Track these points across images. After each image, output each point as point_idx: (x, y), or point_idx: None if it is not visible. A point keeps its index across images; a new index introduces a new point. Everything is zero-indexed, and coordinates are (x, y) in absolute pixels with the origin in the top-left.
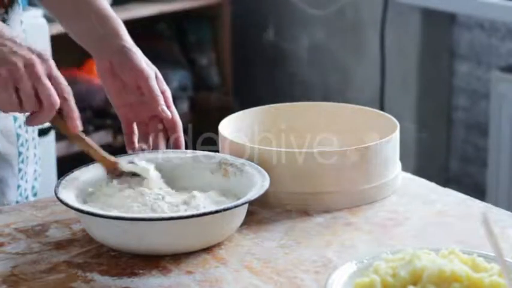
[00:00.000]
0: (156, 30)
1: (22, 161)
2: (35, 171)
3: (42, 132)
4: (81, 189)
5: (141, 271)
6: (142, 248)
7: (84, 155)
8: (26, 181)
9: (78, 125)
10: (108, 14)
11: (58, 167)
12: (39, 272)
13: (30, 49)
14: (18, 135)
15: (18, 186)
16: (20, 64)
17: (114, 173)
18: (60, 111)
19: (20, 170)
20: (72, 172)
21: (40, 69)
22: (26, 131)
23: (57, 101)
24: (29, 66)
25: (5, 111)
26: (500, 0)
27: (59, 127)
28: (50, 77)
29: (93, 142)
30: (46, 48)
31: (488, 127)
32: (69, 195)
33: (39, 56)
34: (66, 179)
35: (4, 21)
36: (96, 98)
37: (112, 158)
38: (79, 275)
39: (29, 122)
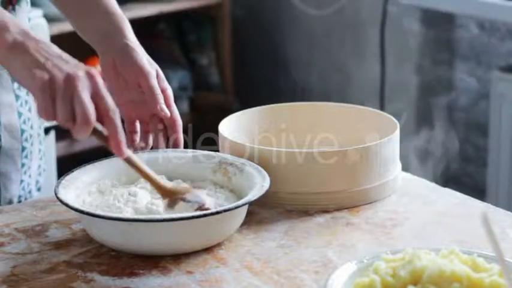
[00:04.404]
0: (156, 30)
1: (26, 156)
2: (39, 166)
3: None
4: (81, 189)
5: (141, 271)
6: (143, 248)
7: (84, 155)
8: (30, 176)
9: (123, 149)
10: (114, 11)
11: (58, 167)
12: (39, 272)
13: (77, 65)
14: (22, 131)
15: (21, 181)
16: (61, 75)
17: (171, 200)
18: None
19: (23, 165)
20: (72, 172)
21: (82, 84)
22: (31, 127)
23: (90, 118)
24: (71, 79)
25: (41, 117)
26: (500, 0)
27: (107, 147)
28: (95, 94)
29: (146, 167)
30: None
31: (488, 127)
32: (69, 195)
33: (86, 72)
34: (66, 179)
35: None
36: None
37: (168, 186)
38: (79, 275)
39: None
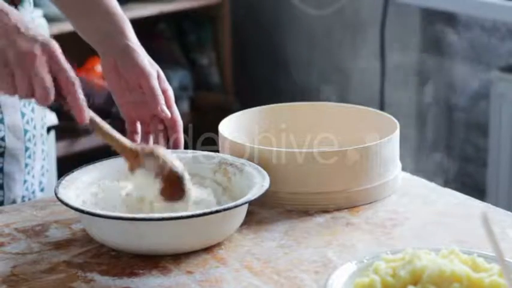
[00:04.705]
0: (156, 30)
1: (29, 156)
2: (43, 166)
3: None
4: (82, 189)
5: (141, 271)
6: (143, 248)
7: (84, 155)
8: (33, 176)
9: (85, 115)
10: (115, 11)
11: (58, 167)
12: (39, 272)
13: (34, 38)
14: (25, 131)
15: (25, 181)
16: (16, 56)
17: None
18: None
19: (26, 165)
20: (72, 172)
21: (38, 61)
22: (34, 127)
23: (49, 95)
24: (27, 58)
25: (3, 92)
26: (500, 0)
27: (69, 112)
28: (53, 67)
29: (112, 129)
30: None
31: (488, 127)
32: (69, 195)
33: (43, 45)
34: (66, 179)
35: None
36: (96, 98)
37: (133, 148)
38: (79, 275)
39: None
